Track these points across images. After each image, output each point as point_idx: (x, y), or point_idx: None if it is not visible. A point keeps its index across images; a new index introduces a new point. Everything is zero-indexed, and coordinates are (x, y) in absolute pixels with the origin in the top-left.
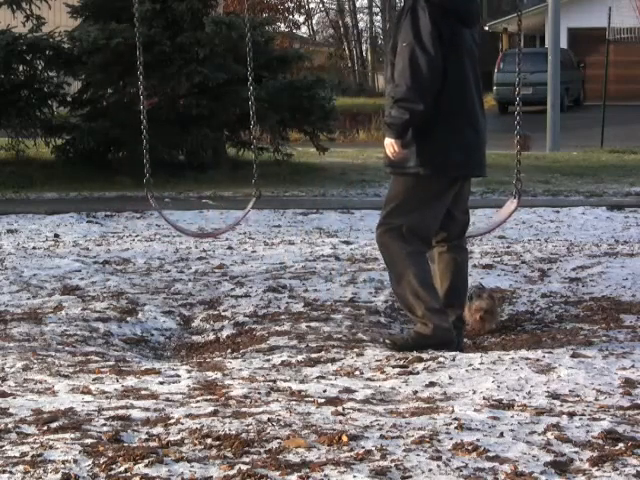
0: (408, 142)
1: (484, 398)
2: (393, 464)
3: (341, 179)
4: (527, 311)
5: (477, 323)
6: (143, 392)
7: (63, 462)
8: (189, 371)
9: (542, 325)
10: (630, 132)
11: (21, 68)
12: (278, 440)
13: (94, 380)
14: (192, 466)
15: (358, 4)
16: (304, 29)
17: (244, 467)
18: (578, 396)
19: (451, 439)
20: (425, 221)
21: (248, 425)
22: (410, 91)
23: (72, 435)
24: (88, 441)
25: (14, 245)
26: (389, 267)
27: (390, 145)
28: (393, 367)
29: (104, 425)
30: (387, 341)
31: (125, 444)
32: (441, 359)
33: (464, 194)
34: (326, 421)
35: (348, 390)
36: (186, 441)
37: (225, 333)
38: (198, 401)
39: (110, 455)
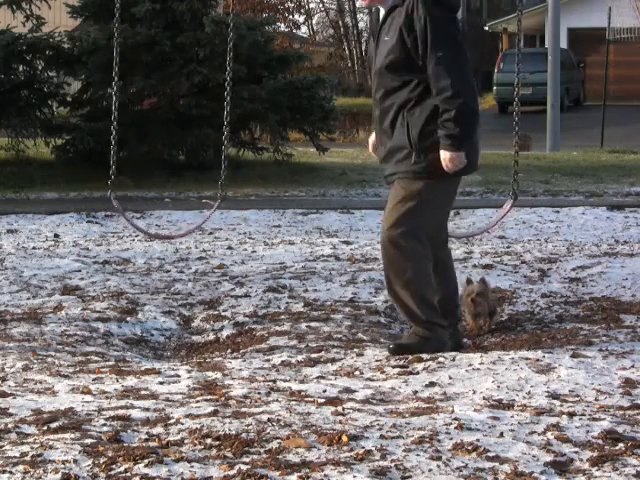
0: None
1: (484, 398)
2: (393, 464)
3: (341, 179)
4: (527, 311)
5: (469, 306)
6: (143, 392)
7: (63, 462)
8: (189, 371)
9: (542, 325)
10: (630, 132)
11: (21, 68)
12: (278, 440)
13: (94, 380)
14: (192, 466)
15: (358, 4)
16: (304, 29)
17: (244, 467)
18: (578, 396)
19: (451, 439)
20: (437, 223)
21: (248, 425)
22: (469, 102)
23: (72, 435)
24: (88, 441)
25: (14, 245)
26: (396, 269)
27: (458, 158)
28: (393, 367)
29: (104, 425)
30: (391, 346)
31: (125, 444)
32: (441, 359)
33: None
34: (326, 421)
35: (348, 390)
36: (186, 441)
37: (225, 333)
38: (198, 401)
39: (110, 455)
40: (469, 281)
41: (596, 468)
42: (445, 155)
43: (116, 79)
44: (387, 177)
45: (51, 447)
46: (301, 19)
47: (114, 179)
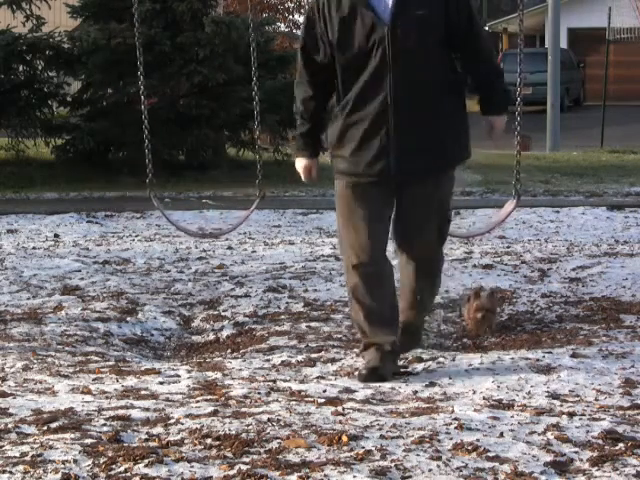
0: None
1: (484, 398)
2: (393, 464)
3: None
4: (527, 311)
5: (477, 322)
6: (143, 392)
7: (63, 462)
8: (189, 371)
9: (542, 325)
10: (630, 132)
11: (21, 68)
12: (278, 440)
13: (94, 380)
14: (192, 466)
15: None
16: None
17: (244, 467)
18: (578, 396)
19: (451, 439)
20: None
21: (248, 425)
22: None
23: (72, 435)
24: (88, 441)
25: (14, 245)
26: (436, 278)
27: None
28: None
29: (104, 425)
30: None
31: (125, 444)
32: (441, 359)
33: None
34: (326, 421)
35: (348, 390)
36: (186, 441)
37: (225, 333)
38: (198, 401)
39: (110, 455)
40: (477, 293)
41: (596, 468)
42: (500, 120)
43: (142, 79)
44: (416, 173)
45: (51, 447)
46: (301, 19)
47: (152, 178)
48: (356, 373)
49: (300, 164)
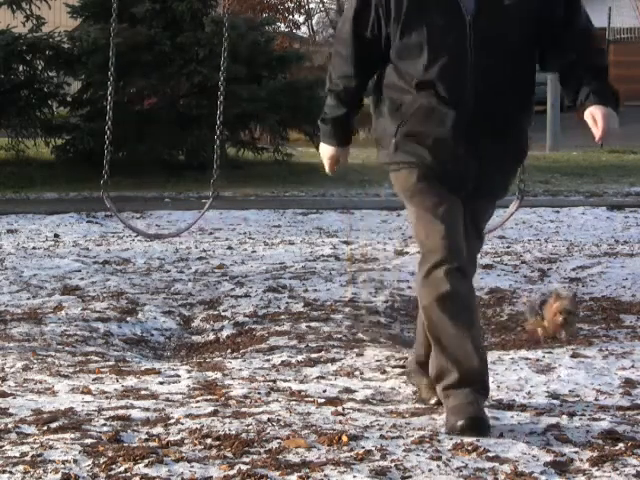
0: None
1: None
2: (393, 464)
3: (341, 179)
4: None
5: (557, 325)
6: (143, 392)
7: (63, 462)
8: (189, 371)
9: None
10: (630, 132)
11: (21, 68)
12: (278, 440)
13: (94, 380)
14: (192, 466)
15: None
16: (304, 29)
17: (244, 467)
18: (578, 396)
19: (451, 439)
20: None
21: (248, 425)
22: None
23: (72, 435)
24: (88, 441)
25: (14, 245)
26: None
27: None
28: (393, 367)
29: (104, 425)
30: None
31: (125, 444)
32: None
33: None
34: (326, 421)
35: (348, 390)
36: (186, 441)
37: (225, 333)
38: (198, 401)
39: (110, 455)
40: (558, 295)
41: (596, 468)
42: (610, 115)
43: (111, 79)
44: (487, 187)
45: (51, 447)
46: (301, 19)
47: (107, 179)
48: (357, 373)
49: (328, 153)
